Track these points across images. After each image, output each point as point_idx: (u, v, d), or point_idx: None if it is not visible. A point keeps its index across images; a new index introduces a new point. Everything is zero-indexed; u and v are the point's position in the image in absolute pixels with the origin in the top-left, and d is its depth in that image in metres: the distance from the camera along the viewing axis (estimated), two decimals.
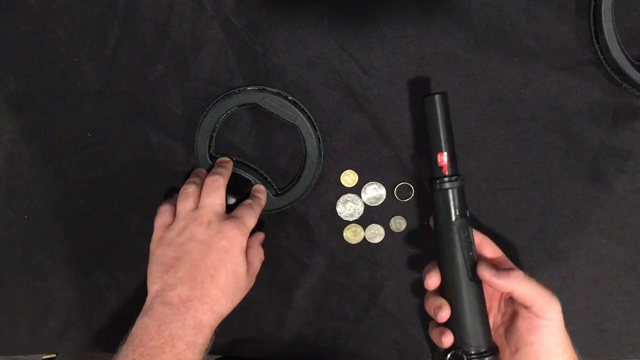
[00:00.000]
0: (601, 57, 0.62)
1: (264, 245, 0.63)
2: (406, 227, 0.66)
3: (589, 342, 0.66)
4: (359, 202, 0.65)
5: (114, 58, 0.64)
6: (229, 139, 0.65)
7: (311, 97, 0.64)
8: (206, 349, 0.54)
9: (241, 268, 0.56)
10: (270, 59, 0.64)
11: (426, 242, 0.66)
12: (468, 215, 0.55)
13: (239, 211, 0.59)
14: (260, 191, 0.63)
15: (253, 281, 0.59)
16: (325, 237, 0.66)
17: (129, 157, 0.66)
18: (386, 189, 0.65)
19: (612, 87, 0.63)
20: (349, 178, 0.65)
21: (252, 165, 0.65)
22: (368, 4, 0.63)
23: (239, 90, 0.63)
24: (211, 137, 0.64)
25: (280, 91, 0.63)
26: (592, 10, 0.62)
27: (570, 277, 0.66)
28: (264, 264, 0.64)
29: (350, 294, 0.67)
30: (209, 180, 0.59)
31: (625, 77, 0.61)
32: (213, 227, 0.56)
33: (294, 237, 0.66)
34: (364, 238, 0.66)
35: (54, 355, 0.88)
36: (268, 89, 0.63)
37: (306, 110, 0.63)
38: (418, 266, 0.66)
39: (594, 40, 0.62)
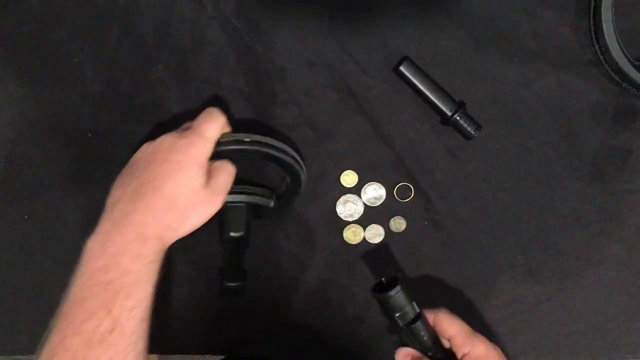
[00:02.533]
0: (601, 57, 0.62)
1: (264, 244, 0.63)
2: (406, 227, 0.66)
3: (589, 342, 0.66)
4: (358, 203, 0.65)
5: (114, 58, 0.64)
6: None
7: (311, 97, 0.64)
8: (159, 264, 0.50)
9: (194, 181, 0.52)
10: (270, 59, 0.64)
11: (426, 242, 0.66)
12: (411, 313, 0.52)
13: (196, 121, 0.55)
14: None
15: (219, 196, 0.54)
16: (325, 237, 0.66)
17: (129, 157, 0.66)
18: (386, 189, 0.65)
19: (612, 87, 0.63)
20: (349, 178, 0.65)
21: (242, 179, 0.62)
22: (368, 4, 0.63)
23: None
24: None
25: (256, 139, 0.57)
26: (592, 10, 0.62)
27: (570, 277, 0.66)
28: (265, 264, 0.64)
29: (350, 294, 0.67)
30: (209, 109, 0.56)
31: (625, 77, 0.61)
32: (167, 141, 0.53)
33: (293, 237, 0.66)
34: (364, 238, 0.66)
35: None
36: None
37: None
38: (418, 266, 0.66)
39: (594, 40, 0.62)
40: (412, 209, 0.65)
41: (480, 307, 0.66)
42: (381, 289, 0.52)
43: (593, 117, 0.64)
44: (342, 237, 0.66)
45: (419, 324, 0.52)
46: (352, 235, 0.66)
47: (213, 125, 0.54)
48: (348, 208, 0.66)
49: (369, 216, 0.66)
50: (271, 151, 0.56)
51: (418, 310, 0.52)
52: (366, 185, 0.65)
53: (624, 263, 0.66)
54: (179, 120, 0.64)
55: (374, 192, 0.65)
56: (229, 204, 0.59)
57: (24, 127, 0.65)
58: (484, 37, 0.63)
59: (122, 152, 0.65)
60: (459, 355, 0.51)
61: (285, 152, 0.57)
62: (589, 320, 0.66)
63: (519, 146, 0.65)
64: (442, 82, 0.62)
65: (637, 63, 0.61)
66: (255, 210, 0.61)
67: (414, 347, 0.52)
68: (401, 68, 0.61)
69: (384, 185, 0.65)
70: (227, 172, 0.55)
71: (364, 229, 0.66)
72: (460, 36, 0.63)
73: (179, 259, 0.66)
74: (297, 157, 0.59)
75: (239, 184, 0.58)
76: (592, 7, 0.62)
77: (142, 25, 0.64)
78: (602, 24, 0.60)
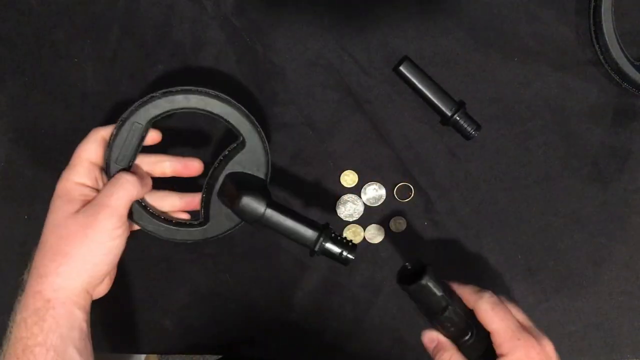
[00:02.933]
0: (601, 57, 0.62)
1: (264, 244, 0.63)
2: (406, 227, 0.66)
3: (589, 342, 0.66)
4: (358, 203, 0.65)
5: (114, 58, 0.64)
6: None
7: (311, 97, 0.64)
8: (54, 320, 0.47)
9: (57, 213, 0.49)
10: (270, 59, 0.64)
11: (426, 242, 0.66)
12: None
13: None
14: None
15: (104, 218, 0.47)
16: None
17: None
18: (386, 189, 0.65)
19: (612, 87, 0.63)
20: (349, 178, 0.65)
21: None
22: (368, 4, 0.63)
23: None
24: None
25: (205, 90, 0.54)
26: (592, 10, 0.62)
27: (570, 277, 0.66)
28: (265, 265, 0.64)
29: (350, 294, 0.67)
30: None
31: (625, 77, 0.61)
32: None
33: None
34: (364, 238, 0.66)
35: None
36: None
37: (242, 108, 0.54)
38: None
39: (594, 40, 0.62)
40: (412, 209, 0.66)
41: None
42: (406, 276, 0.49)
43: (593, 117, 0.64)
44: None
45: (448, 313, 0.47)
46: (352, 235, 0.66)
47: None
48: (348, 208, 0.66)
49: (369, 216, 0.66)
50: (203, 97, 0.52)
51: (445, 303, 0.47)
52: (366, 185, 0.65)
53: (624, 263, 0.66)
54: (179, 120, 0.64)
55: (374, 192, 0.65)
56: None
57: (24, 127, 0.65)
58: (484, 37, 0.63)
59: None
60: (497, 354, 0.46)
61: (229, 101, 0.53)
62: (589, 320, 0.66)
63: (519, 146, 0.65)
64: (442, 82, 0.62)
65: (637, 63, 0.61)
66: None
67: (443, 333, 0.49)
68: (401, 68, 0.61)
69: (384, 185, 0.65)
70: (114, 184, 0.49)
71: (364, 229, 0.66)
72: (460, 36, 0.63)
73: (179, 259, 0.66)
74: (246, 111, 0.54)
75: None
76: (592, 7, 0.62)
77: (142, 25, 0.64)
78: (602, 24, 0.60)
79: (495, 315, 0.46)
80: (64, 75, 0.64)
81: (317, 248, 0.51)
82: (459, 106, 0.62)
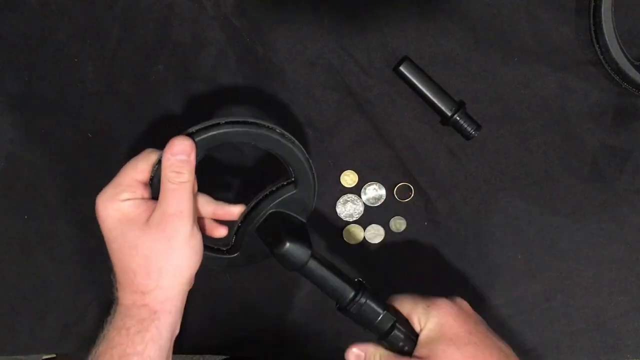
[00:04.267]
0: (601, 57, 0.62)
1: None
2: (406, 227, 0.66)
3: (589, 342, 0.66)
4: (358, 203, 0.65)
5: (114, 58, 0.64)
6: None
7: (311, 97, 0.64)
8: (149, 333, 0.48)
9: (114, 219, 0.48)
10: (270, 59, 0.64)
11: (426, 242, 0.66)
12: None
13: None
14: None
15: (172, 223, 0.47)
16: (325, 237, 0.66)
17: (129, 158, 0.65)
18: (386, 189, 0.65)
19: (612, 87, 0.63)
20: (349, 178, 0.65)
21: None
22: (368, 4, 0.63)
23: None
24: None
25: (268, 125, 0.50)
26: (592, 10, 0.62)
27: (570, 277, 0.66)
28: (265, 265, 0.64)
29: None
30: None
31: (625, 77, 0.61)
32: None
33: None
34: (364, 238, 0.66)
35: (54, 355, 0.88)
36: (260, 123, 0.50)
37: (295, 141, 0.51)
38: (418, 266, 0.66)
39: (594, 40, 0.62)
40: (412, 209, 0.65)
41: (480, 307, 0.66)
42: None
43: (593, 117, 0.64)
44: (342, 237, 0.66)
45: (395, 333, 0.47)
46: (352, 235, 0.66)
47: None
48: (348, 208, 0.66)
49: (369, 216, 0.66)
50: (260, 131, 0.49)
51: (393, 320, 0.47)
52: (366, 185, 0.65)
53: (624, 263, 0.66)
54: (179, 120, 0.65)
55: (374, 192, 0.65)
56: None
57: (24, 127, 0.65)
58: (484, 37, 0.63)
59: (122, 152, 0.65)
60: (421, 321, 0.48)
61: (282, 134, 0.50)
62: (589, 320, 0.66)
63: (519, 146, 0.65)
64: (442, 82, 0.62)
65: (637, 63, 0.61)
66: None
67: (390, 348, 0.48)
68: (401, 68, 0.61)
69: (384, 185, 0.65)
70: (174, 190, 0.47)
71: (364, 229, 0.66)
72: (460, 36, 0.63)
73: None
74: (296, 142, 0.51)
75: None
76: (592, 7, 0.62)
77: (142, 25, 0.64)
78: (602, 24, 0.60)
79: (403, 303, 0.49)
80: (64, 75, 0.64)
81: (350, 308, 0.49)
82: (459, 106, 0.62)
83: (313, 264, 0.49)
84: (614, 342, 0.66)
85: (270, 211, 0.52)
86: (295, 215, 0.53)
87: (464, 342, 0.45)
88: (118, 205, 0.47)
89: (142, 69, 0.64)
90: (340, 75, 0.64)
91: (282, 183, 0.53)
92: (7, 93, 0.65)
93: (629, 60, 0.60)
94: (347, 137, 0.65)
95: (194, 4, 0.63)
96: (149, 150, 0.51)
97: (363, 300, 0.48)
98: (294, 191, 0.52)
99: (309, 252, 0.48)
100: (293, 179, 0.52)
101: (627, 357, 0.67)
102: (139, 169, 0.49)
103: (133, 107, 0.65)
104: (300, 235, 0.49)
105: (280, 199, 0.52)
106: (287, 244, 0.48)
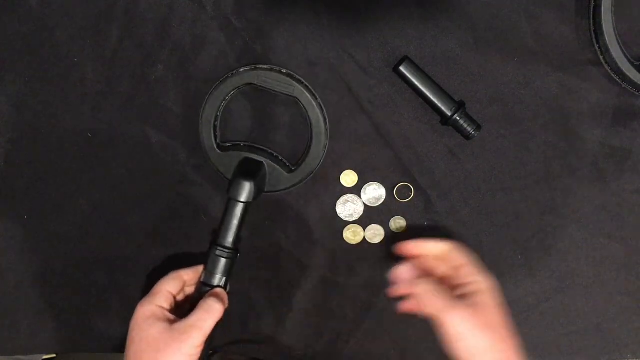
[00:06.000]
0: (601, 57, 0.62)
1: (264, 244, 0.63)
2: (406, 227, 0.66)
3: (589, 342, 0.66)
4: (358, 203, 0.65)
5: (114, 58, 0.64)
6: (232, 125, 0.65)
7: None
8: None
9: (149, 331, 0.55)
10: (270, 59, 0.64)
11: None
12: None
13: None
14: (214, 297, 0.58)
15: (190, 333, 0.54)
16: (325, 237, 0.66)
17: (129, 157, 0.66)
18: (386, 189, 0.65)
19: (612, 87, 0.63)
20: (348, 178, 0.65)
21: (262, 147, 0.65)
22: (368, 4, 0.63)
23: (232, 74, 0.62)
24: (215, 126, 0.63)
25: (272, 66, 0.63)
26: (592, 10, 0.62)
27: (570, 277, 0.66)
28: (265, 265, 0.64)
29: (350, 294, 0.67)
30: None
31: (625, 77, 0.61)
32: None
33: (293, 237, 0.66)
34: (364, 238, 0.66)
35: (54, 355, 0.88)
36: (260, 66, 0.62)
37: (303, 80, 0.63)
38: None
39: (594, 40, 0.62)
40: (412, 209, 0.65)
41: None
42: None
43: (593, 117, 0.64)
44: (342, 237, 0.66)
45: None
46: (352, 235, 0.66)
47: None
48: (348, 208, 0.66)
49: (369, 216, 0.66)
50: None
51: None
52: (366, 185, 0.65)
53: (624, 263, 0.66)
54: (179, 120, 0.65)
55: (374, 192, 0.65)
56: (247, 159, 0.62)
57: (24, 127, 0.65)
58: (484, 37, 0.63)
59: (122, 152, 0.65)
60: (459, 283, 0.56)
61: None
62: (589, 320, 0.66)
63: (519, 146, 0.65)
64: (442, 82, 0.62)
65: (637, 63, 0.61)
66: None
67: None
68: (401, 68, 0.61)
69: (384, 185, 0.65)
70: (207, 310, 0.56)
71: (364, 229, 0.66)
72: (460, 36, 0.63)
73: (178, 259, 0.66)
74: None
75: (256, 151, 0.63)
76: (592, 7, 0.62)
77: (142, 25, 0.64)
78: (602, 24, 0.60)
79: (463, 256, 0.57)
80: (64, 75, 0.64)
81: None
82: (459, 106, 0.62)
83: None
84: (614, 342, 0.66)
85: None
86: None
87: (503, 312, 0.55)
88: (152, 307, 0.55)
89: (142, 69, 0.64)
90: (340, 75, 0.64)
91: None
92: (7, 93, 0.65)
93: (629, 60, 0.60)
94: (347, 137, 0.65)
95: (194, 4, 0.63)
96: (175, 272, 0.59)
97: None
98: (286, 174, 0.63)
99: None
100: (294, 168, 0.64)
101: (627, 357, 0.67)
102: (172, 285, 0.58)
103: (133, 107, 0.65)
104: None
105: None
106: None
